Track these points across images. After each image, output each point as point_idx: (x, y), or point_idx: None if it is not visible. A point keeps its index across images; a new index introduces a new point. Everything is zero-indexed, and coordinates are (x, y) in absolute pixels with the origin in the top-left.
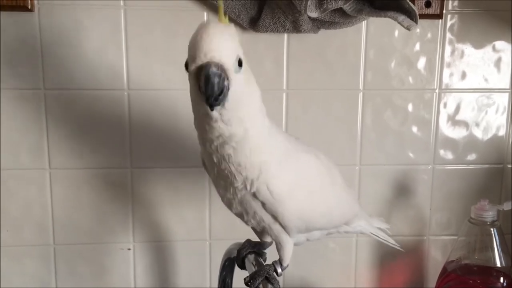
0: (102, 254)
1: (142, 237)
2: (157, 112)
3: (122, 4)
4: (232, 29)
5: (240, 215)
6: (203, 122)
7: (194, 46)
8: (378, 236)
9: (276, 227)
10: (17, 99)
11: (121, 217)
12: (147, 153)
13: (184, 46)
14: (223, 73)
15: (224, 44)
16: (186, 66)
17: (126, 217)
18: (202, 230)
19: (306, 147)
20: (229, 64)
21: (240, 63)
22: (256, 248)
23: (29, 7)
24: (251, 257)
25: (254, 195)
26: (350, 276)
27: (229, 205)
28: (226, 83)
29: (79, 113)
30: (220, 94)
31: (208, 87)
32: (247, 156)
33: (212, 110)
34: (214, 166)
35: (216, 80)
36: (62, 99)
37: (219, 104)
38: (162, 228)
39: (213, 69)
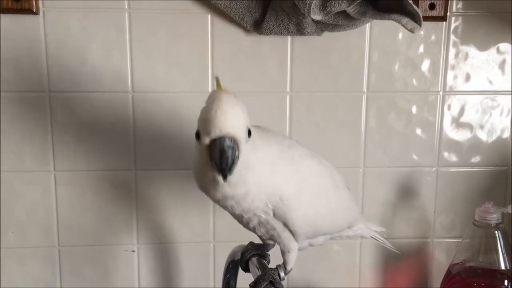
0: (106, 256)
1: (146, 239)
2: (162, 115)
3: (126, 7)
4: (240, 101)
5: (249, 225)
6: (207, 184)
7: (208, 121)
8: (378, 239)
9: (285, 235)
10: (22, 101)
11: (125, 219)
12: (151, 155)
13: (189, 49)
14: (235, 146)
15: (237, 118)
16: (197, 135)
17: (130, 219)
18: (206, 232)
19: (308, 151)
20: (241, 137)
21: (249, 133)
22: (259, 250)
23: (34, 10)
24: (255, 259)
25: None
26: (354, 278)
27: (239, 220)
28: (237, 153)
29: (84, 115)
30: (231, 165)
31: (223, 159)
32: (250, 204)
33: (225, 180)
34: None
35: (230, 153)
36: (66, 102)
37: (230, 174)
38: (166, 230)
39: (228, 143)
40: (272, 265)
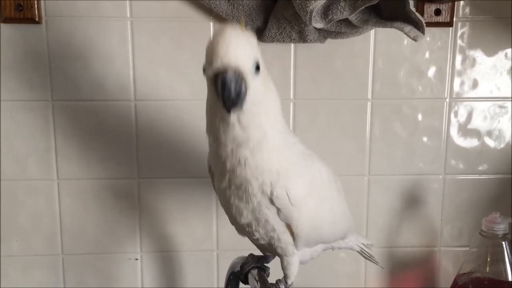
0: (110, 264)
1: (150, 247)
2: (164, 123)
3: (128, 15)
4: (249, 34)
5: (248, 225)
6: (218, 127)
7: (211, 51)
8: (364, 254)
9: (285, 238)
10: (26, 110)
11: (128, 227)
12: (154, 164)
13: (191, 56)
14: (239, 77)
15: (241, 48)
16: (204, 70)
17: (134, 227)
18: (209, 241)
19: (315, 154)
20: (246, 68)
21: (257, 67)
22: (259, 263)
23: (37, 19)
24: (254, 272)
25: (271, 201)
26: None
27: (238, 215)
28: (243, 87)
29: (87, 124)
30: (237, 98)
31: (225, 91)
32: (264, 160)
33: (229, 113)
34: (226, 173)
35: (233, 84)
36: (70, 110)
37: (237, 108)
38: (170, 238)
39: (230, 74)
40: (272, 278)
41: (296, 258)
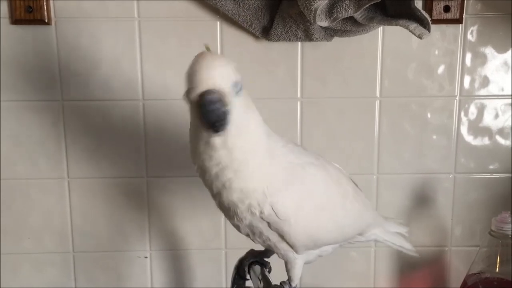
0: (119, 262)
1: (159, 246)
2: (172, 122)
3: (136, 15)
4: (226, 58)
5: (247, 235)
6: (203, 152)
7: (191, 76)
8: (393, 243)
9: (282, 246)
10: (36, 110)
11: (138, 225)
12: (163, 162)
13: None
14: (222, 99)
15: (221, 71)
16: (185, 96)
17: (143, 226)
18: (218, 239)
19: (314, 158)
20: (227, 89)
21: (238, 88)
22: (258, 258)
23: (46, 21)
24: (257, 270)
25: (260, 217)
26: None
27: (237, 228)
28: (226, 108)
29: (96, 123)
30: (222, 119)
31: (209, 113)
32: (248, 181)
33: (215, 134)
34: (215, 197)
35: (216, 105)
36: (79, 110)
37: (222, 129)
38: (178, 236)
39: (213, 95)
40: (273, 275)
41: (299, 261)
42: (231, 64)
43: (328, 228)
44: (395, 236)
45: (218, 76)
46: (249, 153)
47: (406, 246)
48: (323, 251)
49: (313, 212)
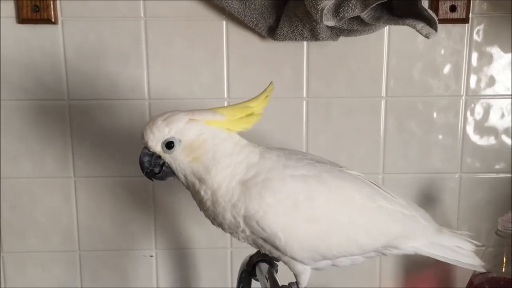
0: (125, 260)
1: (165, 244)
2: None
3: (142, 15)
4: (172, 119)
5: (251, 245)
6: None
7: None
8: (445, 257)
9: (285, 258)
10: (43, 109)
11: (143, 224)
12: None
13: (204, 55)
14: (155, 154)
15: (154, 132)
16: None
17: (149, 225)
18: (223, 238)
19: (313, 167)
20: (157, 148)
21: (171, 146)
22: (267, 257)
23: (53, 20)
24: (265, 270)
25: (252, 233)
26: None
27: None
28: (159, 160)
29: (102, 122)
30: (149, 170)
31: (140, 165)
32: (227, 209)
33: (152, 180)
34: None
35: (146, 158)
36: (85, 109)
37: (154, 177)
38: (184, 235)
39: (144, 151)
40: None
41: (306, 271)
42: (171, 126)
43: (331, 240)
44: (448, 250)
45: (151, 137)
46: (217, 184)
47: (465, 261)
48: (337, 261)
49: (306, 225)
